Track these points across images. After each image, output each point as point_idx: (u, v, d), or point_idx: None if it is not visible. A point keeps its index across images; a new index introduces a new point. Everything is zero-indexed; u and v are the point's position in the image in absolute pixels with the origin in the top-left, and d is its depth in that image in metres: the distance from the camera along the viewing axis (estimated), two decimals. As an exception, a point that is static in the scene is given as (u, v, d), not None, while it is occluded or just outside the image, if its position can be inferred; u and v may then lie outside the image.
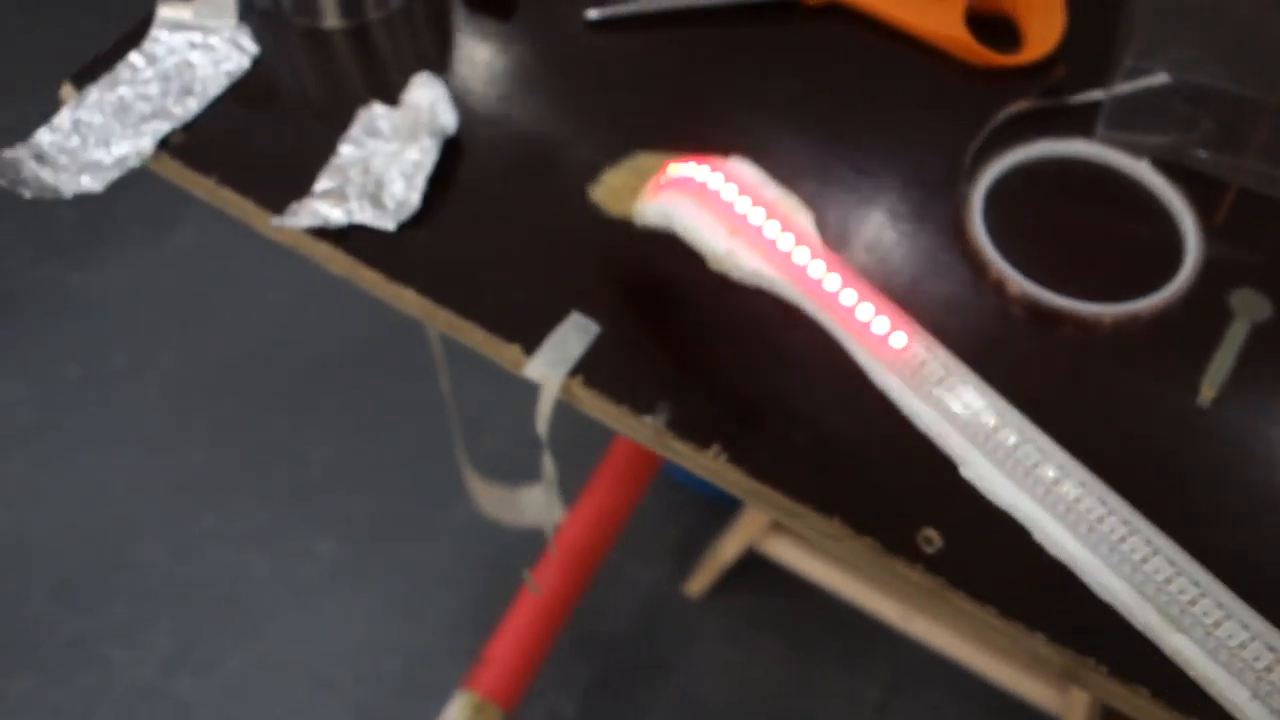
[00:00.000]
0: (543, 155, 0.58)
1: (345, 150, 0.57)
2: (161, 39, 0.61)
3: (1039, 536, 0.43)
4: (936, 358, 0.44)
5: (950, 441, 0.44)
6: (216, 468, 1.33)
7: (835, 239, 0.55)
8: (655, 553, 1.27)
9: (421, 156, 0.57)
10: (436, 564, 1.26)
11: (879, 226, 0.55)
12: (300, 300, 1.41)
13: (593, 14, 0.63)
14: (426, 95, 0.58)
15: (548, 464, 0.54)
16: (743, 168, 0.48)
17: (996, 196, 0.56)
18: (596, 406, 0.50)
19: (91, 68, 0.61)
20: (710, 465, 0.48)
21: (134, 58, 0.61)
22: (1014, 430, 0.43)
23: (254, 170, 0.57)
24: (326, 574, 1.25)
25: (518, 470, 1.04)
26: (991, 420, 0.43)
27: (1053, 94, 0.59)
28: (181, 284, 1.46)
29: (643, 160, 0.52)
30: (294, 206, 0.55)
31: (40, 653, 1.20)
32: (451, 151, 0.58)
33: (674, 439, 0.49)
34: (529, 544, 1.21)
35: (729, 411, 0.49)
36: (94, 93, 0.60)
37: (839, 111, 0.60)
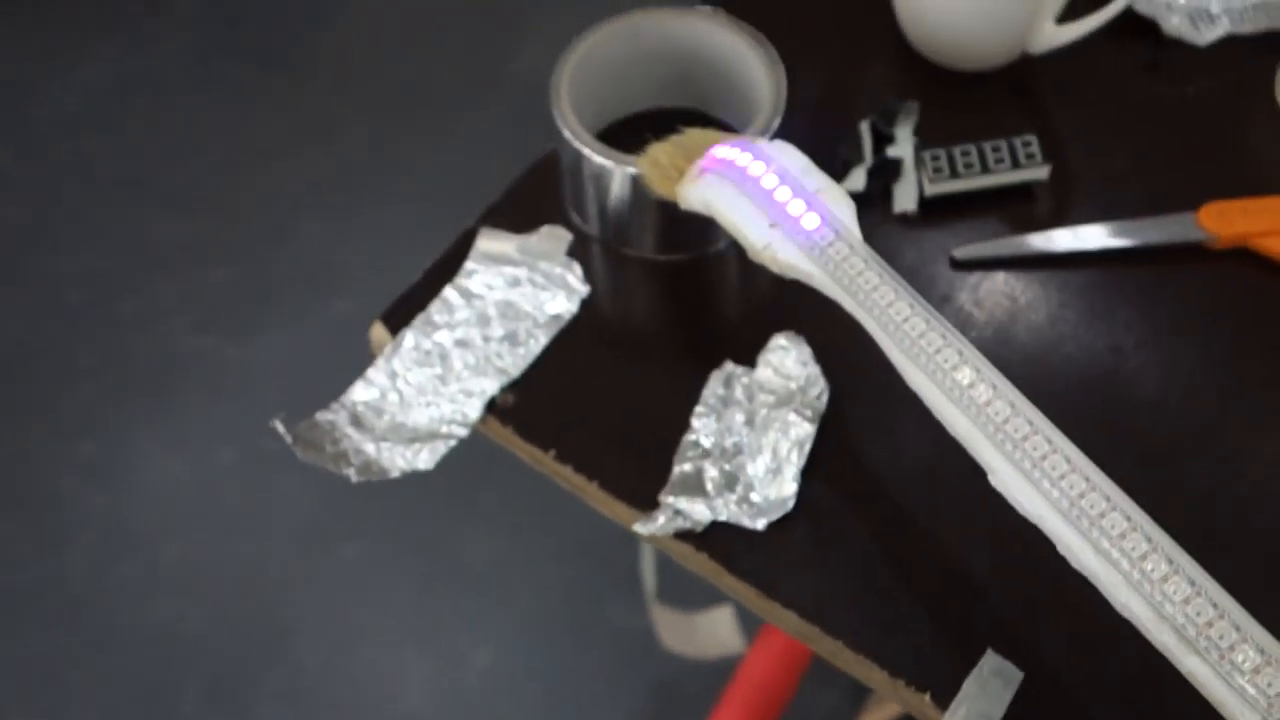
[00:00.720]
0: (929, 442, 0.51)
1: (700, 425, 0.51)
2: (479, 273, 0.55)
3: (1061, 549, 0.39)
4: (966, 358, 0.41)
5: (980, 448, 0.40)
6: (372, 562, 1.27)
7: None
8: (833, 677, 1.21)
9: (795, 440, 0.50)
10: (595, 675, 1.20)
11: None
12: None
13: (959, 253, 0.56)
14: (796, 362, 0.52)
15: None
16: (787, 152, 0.46)
17: None
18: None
19: (403, 304, 0.55)
20: None
21: (450, 294, 0.54)
22: (1033, 429, 0.40)
23: (595, 439, 0.51)
24: (482, 680, 1.20)
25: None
26: (1015, 422, 0.40)
27: None
28: (339, 360, 1.40)
29: (692, 136, 0.50)
30: (653, 510, 0.49)
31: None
32: (823, 425, 0.51)
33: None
34: (697, 665, 1.15)
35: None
36: (409, 337, 0.53)
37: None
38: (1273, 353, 0.53)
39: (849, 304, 0.43)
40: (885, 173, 0.57)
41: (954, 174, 0.57)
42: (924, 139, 0.58)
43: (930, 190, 0.57)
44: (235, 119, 1.61)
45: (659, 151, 0.50)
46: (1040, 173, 0.57)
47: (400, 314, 0.54)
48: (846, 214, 0.45)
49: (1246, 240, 0.55)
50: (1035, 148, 0.57)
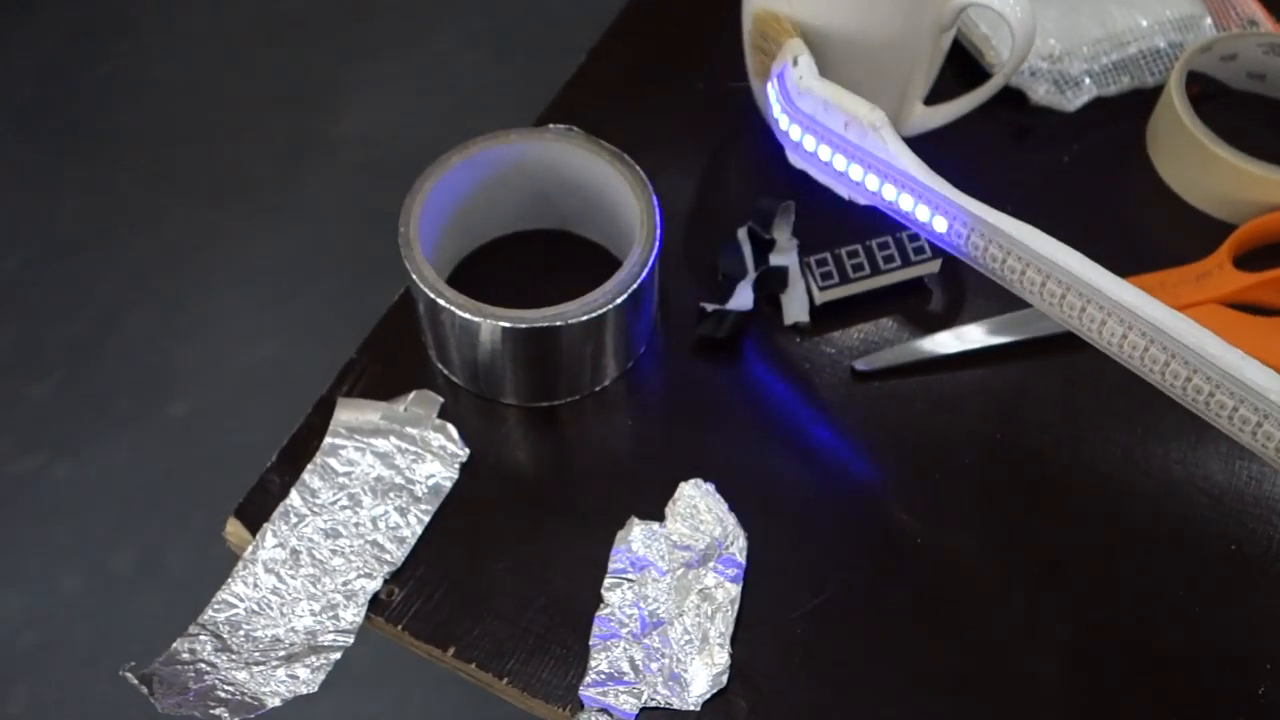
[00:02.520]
0: (861, 583, 0.47)
1: (613, 599, 0.46)
2: (343, 448, 0.49)
3: None
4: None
5: None
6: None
7: None
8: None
9: (719, 604, 0.45)
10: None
11: None
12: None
13: (861, 364, 0.52)
14: (708, 511, 0.47)
15: None
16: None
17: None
18: None
19: (258, 494, 0.48)
20: None
21: (311, 477, 0.48)
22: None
23: (498, 628, 0.46)
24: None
25: None
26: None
27: None
28: (180, 468, 1.30)
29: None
30: (575, 710, 0.44)
31: None
32: (747, 580, 0.47)
33: None
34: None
35: None
36: (270, 535, 0.47)
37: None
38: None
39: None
40: (771, 283, 0.54)
41: (844, 278, 0.53)
42: (805, 241, 0.55)
43: (821, 298, 0.53)
44: (40, 209, 1.48)
45: (761, 19, 0.52)
46: (932, 266, 0.54)
47: (257, 506, 0.48)
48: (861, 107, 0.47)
49: (1147, 320, 0.53)
50: (923, 241, 0.54)
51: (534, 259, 0.55)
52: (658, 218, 0.49)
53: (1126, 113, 0.61)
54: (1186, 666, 0.45)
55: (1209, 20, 0.62)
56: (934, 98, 0.57)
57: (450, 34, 1.70)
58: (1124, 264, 0.54)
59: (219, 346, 1.32)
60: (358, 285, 1.19)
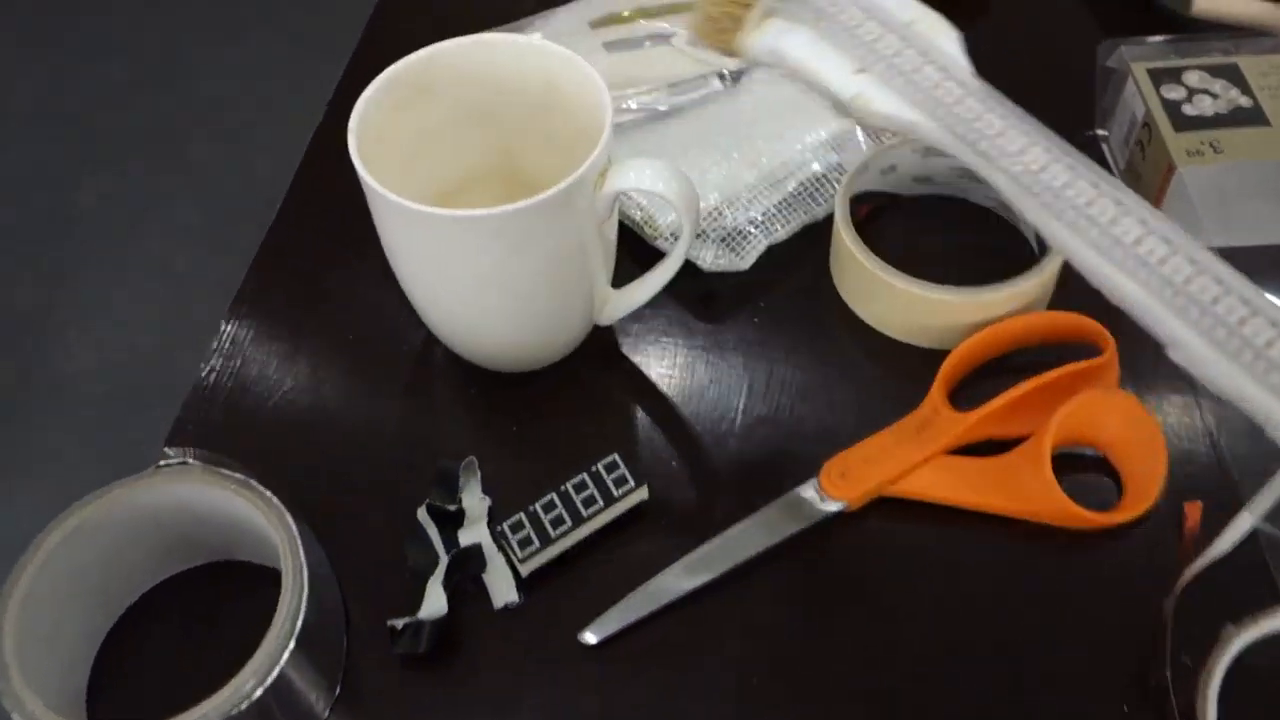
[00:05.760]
0: None
1: None
2: None
3: (1270, 430, 0.33)
4: (1127, 208, 0.34)
5: (1156, 317, 0.34)
6: None
7: None
8: None
9: None
10: None
11: None
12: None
13: (590, 637, 0.46)
14: None
15: None
16: None
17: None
18: None
19: None
20: None
21: None
22: (1224, 290, 0.33)
23: None
24: None
25: None
26: (1199, 282, 0.33)
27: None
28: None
29: None
30: None
31: None
32: None
33: None
34: None
35: None
36: None
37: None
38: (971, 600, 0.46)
39: (968, 156, 0.36)
40: (467, 567, 0.47)
41: (545, 540, 0.47)
42: (496, 495, 0.48)
43: (526, 569, 0.47)
44: None
45: (709, 5, 0.42)
46: (639, 495, 0.48)
47: None
48: (953, 47, 0.38)
49: (880, 492, 0.48)
50: (622, 468, 0.48)
51: (198, 600, 0.47)
52: (302, 555, 0.41)
53: (805, 252, 0.57)
54: None
55: (859, 133, 0.59)
56: (619, 280, 0.52)
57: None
58: (849, 425, 0.50)
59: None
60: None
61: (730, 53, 0.43)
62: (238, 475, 0.43)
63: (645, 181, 0.45)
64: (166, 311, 1.57)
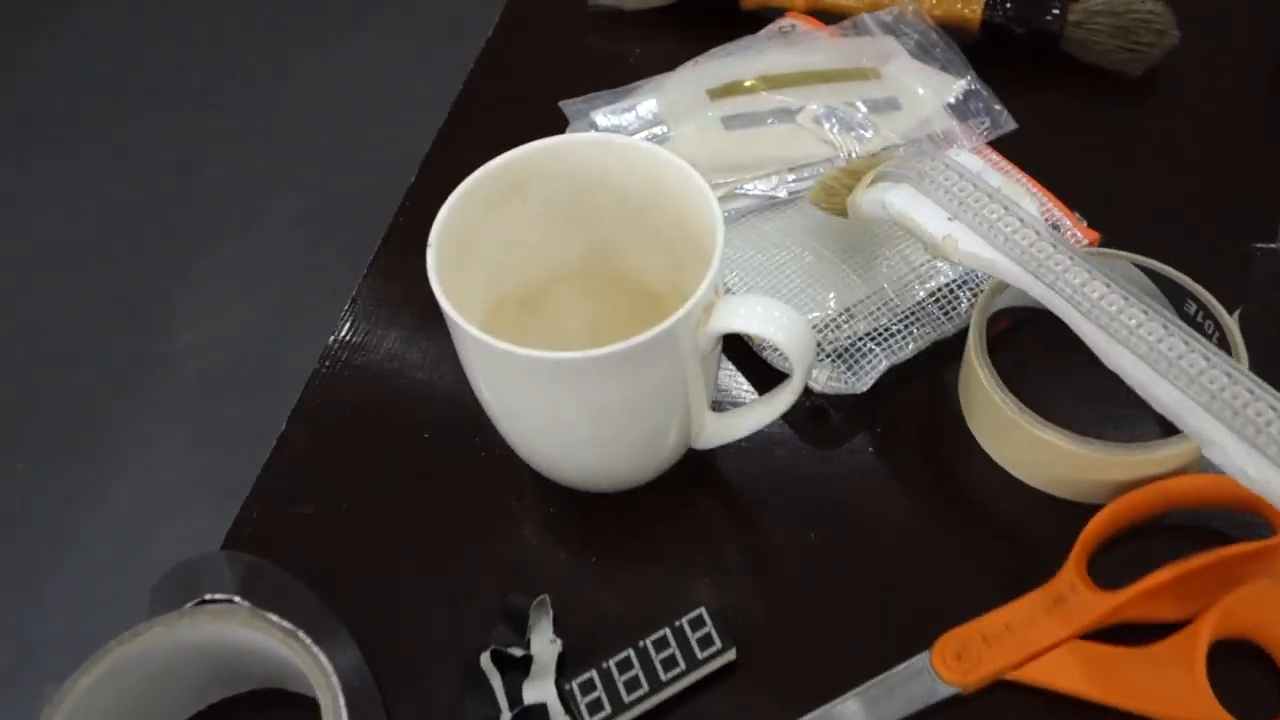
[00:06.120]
0: None
1: None
2: None
3: None
4: (1172, 330, 0.38)
5: (1196, 420, 0.37)
6: None
7: None
8: None
9: None
10: None
11: None
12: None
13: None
14: None
15: None
16: (964, 157, 0.46)
17: None
18: None
19: None
20: None
21: None
22: (1254, 396, 0.36)
23: None
24: None
25: None
26: (1233, 390, 0.37)
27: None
28: None
29: (859, 162, 0.52)
30: None
31: None
32: None
33: None
34: None
35: None
36: None
37: None
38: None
39: (1039, 290, 0.41)
40: (526, 732, 0.42)
41: (618, 705, 0.42)
42: (569, 638, 0.44)
43: (593, 737, 0.42)
44: None
45: (828, 178, 0.51)
46: (727, 656, 0.43)
47: None
48: (1030, 205, 0.44)
49: (1001, 675, 0.42)
50: (709, 626, 0.43)
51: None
52: (345, 715, 0.37)
53: (934, 372, 0.51)
54: None
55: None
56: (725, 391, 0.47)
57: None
58: (971, 588, 0.44)
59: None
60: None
61: (842, 214, 0.50)
62: (284, 624, 0.39)
63: (755, 325, 0.40)
64: (276, 299, 1.57)
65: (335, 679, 0.38)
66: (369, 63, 1.88)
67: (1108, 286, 0.40)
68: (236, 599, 0.40)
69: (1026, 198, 0.43)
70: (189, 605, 0.40)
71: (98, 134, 1.82)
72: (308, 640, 0.39)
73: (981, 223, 0.43)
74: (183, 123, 1.82)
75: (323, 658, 0.38)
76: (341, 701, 0.37)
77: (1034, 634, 0.42)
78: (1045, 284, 0.41)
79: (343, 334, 0.55)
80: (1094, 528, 0.44)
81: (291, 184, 1.71)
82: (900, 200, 0.45)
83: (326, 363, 0.54)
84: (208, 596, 0.40)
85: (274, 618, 0.39)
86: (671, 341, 0.40)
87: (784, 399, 0.45)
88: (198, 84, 1.89)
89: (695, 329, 0.40)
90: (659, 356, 0.40)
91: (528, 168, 0.45)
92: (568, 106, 0.61)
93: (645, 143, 0.44)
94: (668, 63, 0.63)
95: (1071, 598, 0.43)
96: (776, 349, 0.49)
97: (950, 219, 0.44)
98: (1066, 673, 0.42)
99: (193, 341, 1.54)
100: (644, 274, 0.49)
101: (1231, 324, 0.47)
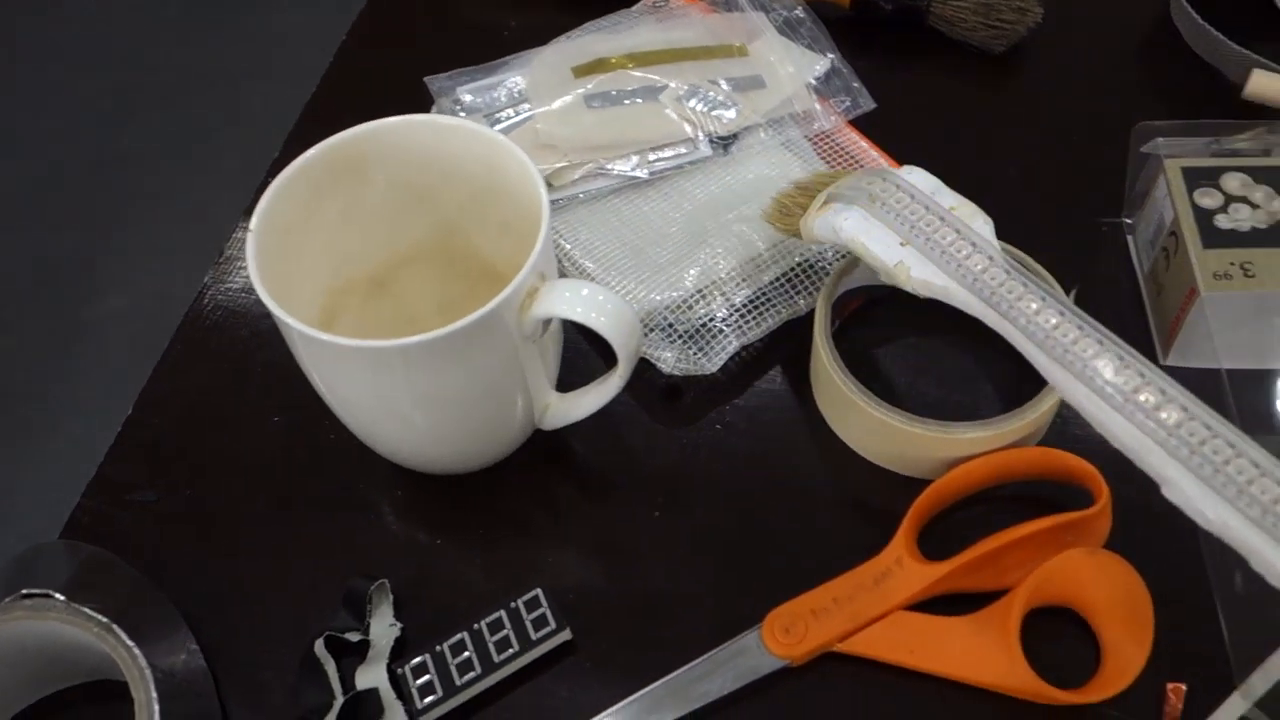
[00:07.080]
0: None
1: None
2: None
3: (1255, 564, 0.35)
4: (1128, 362, 0.38)
5: (1151, 458, 0.36)
6: None
7: None
8: None
9: None
10: None
11: None
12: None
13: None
14: None
15: None
16: (916, 175, 0.45)
17: None
18: None
19: None
20: None
21: None
22: (1211, 433, 0.36)
23: None
24: None
25: None
26: (1189, 426, 0.36)
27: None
28: None
29: (815, 178, 0.50)
30: None
31: None
32: None
33: None
34: None
35: None
36: None
37: None
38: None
39: (992, 318, 0.41)
40: (360, 715, 0.42)
41: (450, 687, 0.42)
42: (409, 621, 0.44)
43: (427, 720, 0.42)
44: None
45: (782, 196, 0.50)
46: (561, 636, 0.43)
47: None
48: (984, 229, 0.43)
49: (828, 648, 0.43)
50: (544, 607, 0.43)
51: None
52: (157, 711, 0.37)
53: (788, 348, 0.52)
54: None
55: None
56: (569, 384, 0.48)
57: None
58: (809, 559, 0.44)
59: None
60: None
61: (796, 234, 0.49)
62: (100, 618, 0.39)
63: (577, 312, 0.40)
64: (203, 258, 1.55)
65: (149, 673, 0.38)
66: (271, 33, 1.85)
67: (1061, 315, 0.39)
68: (54, 593, 0.40)
69: (979, 219, 0.42)
70: (8, 599, 0.40)
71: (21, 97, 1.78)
72: (122, 634, 0.38)
73: (934, 248, 0.42)
74: (102, 86, 1.79)
75: (137, 651, 0.38)
76: (154, 695, 0.37)
77: (859, 607, 0.43)
78: (999, 313, 0.40)
79: (200, 317, 0.55)
80: (922, 502, 0.45)
81: (210, 151, 1.68)
82: (852, 225, 0.44)
83: (179, 346, 0.54)
84: (25, 591, 0.40)
85: (89, 611, 0.39)
86: (495, 326, 0.40)
87: (613, 384, 0.45)
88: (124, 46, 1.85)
89: (520, 314, 0.40)
90: (484, 342, 0.40)
91: (358, 151, 0.44)
92: (433, 82, 0.60)
93: (474, 124, 0.44)
94: (545, 35, 0.62)
95: (897, 571, 0.43)
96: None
97: (903, 244, 0.43)
98: (889, 643, 0.43)
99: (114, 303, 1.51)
100: (490, 255, 0.49)
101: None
